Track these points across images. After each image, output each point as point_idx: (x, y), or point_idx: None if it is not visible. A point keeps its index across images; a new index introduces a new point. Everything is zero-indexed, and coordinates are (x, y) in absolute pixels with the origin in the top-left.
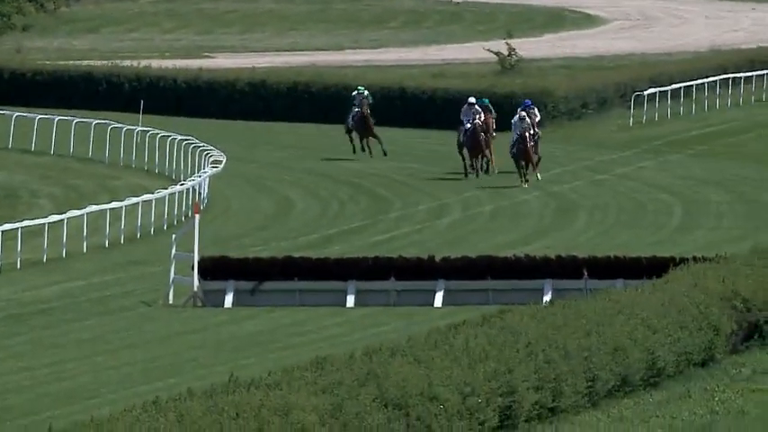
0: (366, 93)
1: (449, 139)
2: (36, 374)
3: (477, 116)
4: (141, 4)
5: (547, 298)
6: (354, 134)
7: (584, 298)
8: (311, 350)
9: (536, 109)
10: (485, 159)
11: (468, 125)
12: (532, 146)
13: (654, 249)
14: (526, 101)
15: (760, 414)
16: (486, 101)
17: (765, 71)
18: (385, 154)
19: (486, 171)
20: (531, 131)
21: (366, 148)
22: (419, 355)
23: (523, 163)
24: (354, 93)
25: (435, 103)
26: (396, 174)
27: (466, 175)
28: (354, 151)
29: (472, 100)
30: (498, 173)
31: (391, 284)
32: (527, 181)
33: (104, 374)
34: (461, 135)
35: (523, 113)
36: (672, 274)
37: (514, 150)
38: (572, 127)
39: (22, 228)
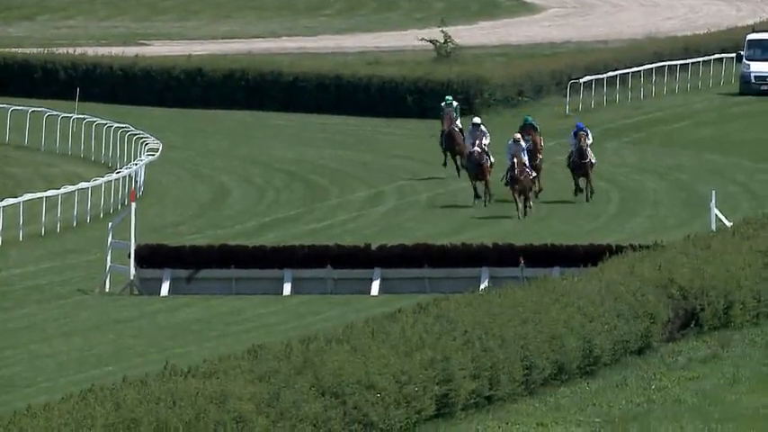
0: (455, 104)
1: (385, 126)
2: None
3: (479, 140)
4: None
5: (483, 286)
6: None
7: (521, 286)
8: (248, 338)
9: (588, 132)
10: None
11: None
12: (528, 174)
13: (590, 237)
14: (579, 123)
15: (696, 402)
16: (530, 118)
17: (701, 59)
18: (459, 174)
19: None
20: (526, 158)
21: (455, 165)
22: (356, 344)
23: (516, 194)
24: (442, 104)
25: (371, 91)
26: (332, 161)
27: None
28: (445, 164)
29: (477, 120)
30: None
31: (328, 272)
32: (525, 214)
33: (40, 362)
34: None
35: (518, 135)
36: (608, 262)
37: (507, 178)
38: (508, 115)
39: None
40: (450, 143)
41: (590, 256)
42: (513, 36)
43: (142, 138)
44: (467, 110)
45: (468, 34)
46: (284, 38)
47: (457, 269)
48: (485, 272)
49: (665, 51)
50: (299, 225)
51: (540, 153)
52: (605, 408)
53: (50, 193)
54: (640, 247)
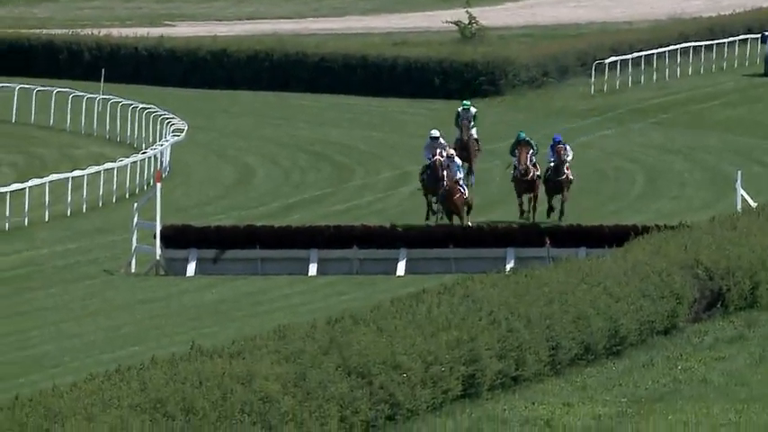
0: (473, 110)
1: (410, 107)
2: None
3: (439, 150)
4: None
5: (509, 266)
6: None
7: (547, 266)
8: (274, 319)
9: (567, 146)
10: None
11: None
12: (462, 193)
13: (616, 218)
14: (556, 136)
15: (722, 383)
16: (523, 134)
17: (726, 39)
18: (471, 185)
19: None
20: (460, 175)
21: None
22: (382, 324)
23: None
24: (459, 109)
25: (396, 72)
26: (358, 142)
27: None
28: None
29: (435, 133)
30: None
31: (353, 253)
32: (467, 226)
33: (68, 342)
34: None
35: (451, 151)
36: (634, 243)
37: (439, 195)
38: (533, 96)
39: None
40: (463, 152)
41: (616, 236)
42: (538, 17)
43: (167, 118)
44: (493, 91)
45: (494, 15)
46: (310, 18)
47: (482, 249)
48: (510, 252)
49: (690, 32)
50: (325, 206)
51: (525, 169)
52: (631, 388)
53: (76, 173)
54: (666, 227)
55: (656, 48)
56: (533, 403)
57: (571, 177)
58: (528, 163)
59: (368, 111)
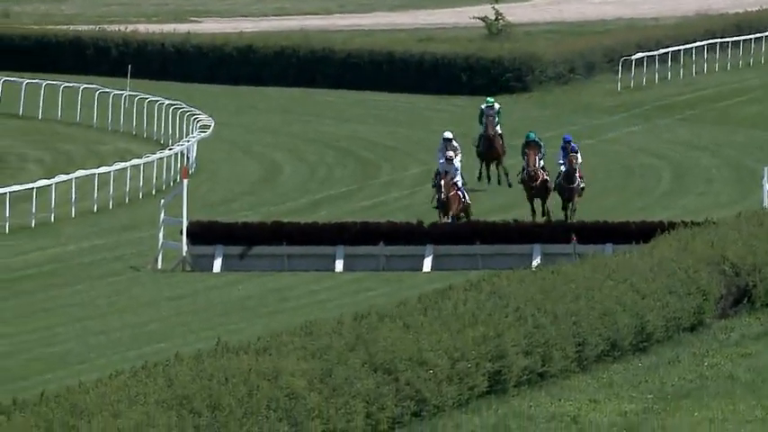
0: (497, 106)
1: (437, 103)
2: (25, 340)
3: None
4: None
5: (535, 263)
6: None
7: (573, 263)
8: (300, 315)
9: (577, 149)
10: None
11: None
12: (460, 197)
13: (642, 214)
14: (566, 136)
15: (749, 379)
16: (533, 134)
17: (752, 36)
18: (510, 185)
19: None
20: (458, 178)
21: (488, 176)
22: (408, 320)
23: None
24: (483, 106)
25: (423, 68)
26: (384, 138)
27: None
28: (479, 178)
29: (448, 135)
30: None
31: (380, 249)
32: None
33: (93, 339)
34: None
35: (450, 153)
36: (660, 239)
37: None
38: (560, 92)
39: (10, 193)
40: (488, 150)
41: (642, 232)
42: (564, 13)
43: (194, 114)
44: (520, 87)
45: (521, 11)
46: (336, 15)
47: (509, 246)
48: (537, 248)
49: (716, 28)
50: (351, 202)
51: (534, 171)
52: (658, 384)
53: (102, 169)
54: (692, 223)
55: (683, 44)
56: (559, 400)
57: (582, 185)
58: (536, 165)
59: (394, 107)
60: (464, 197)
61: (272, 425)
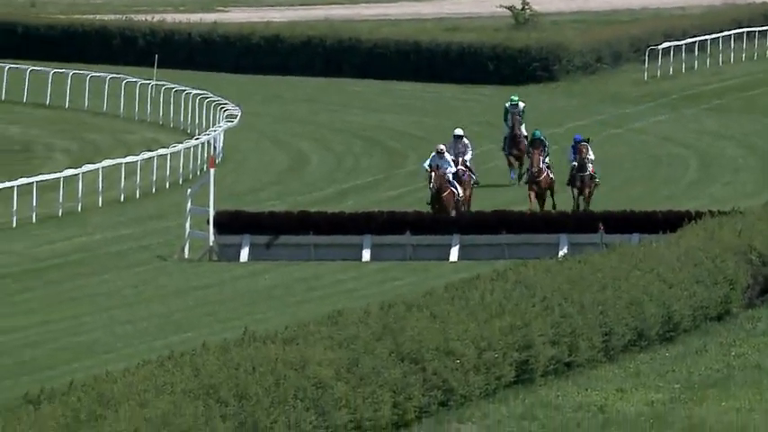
0: (521, 105)
1: (463, 93)
2: (52, 329)
3: (461, 156)
4: None
5: (562, 252)
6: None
7: (600, 252)
8: (327, 304)
9: (589, 146)
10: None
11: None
12: (453, 191)
13: (669, 203)
14: (577, 136)
15: None
16: (539, 133)
17: None
18: (520, 178)
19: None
20: (450, 171)
21: (518, 172)
22: (435, 310)
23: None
24: (507, 104)
25: (449, 57)
26: (410, 128)
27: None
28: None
29: (459, 132)
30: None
31: (407, 239)
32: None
33: (120, 329)
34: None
35: (441, 147)
36: (687, 229)
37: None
38: (586, 81)
39: (37, 182)
40: (512, 148)
41: (669, 222)
42: (591, 2)
43: (221, 104)
44: (546, 77)
45: (547, 1)
46: (362, 4)
47: (535, 235)
48: (563, 238)
49: (743, 17)
50: (378, 191)
51: (537, 171)
52: (685, 374)
53: (129, 159)
54: (719, 213)
55: (710, 33)
56: (586, 389)
57: (597, 180)
58: (541, 164)
59: (421, 96)
60: (457, 192)
61: (299, 414)
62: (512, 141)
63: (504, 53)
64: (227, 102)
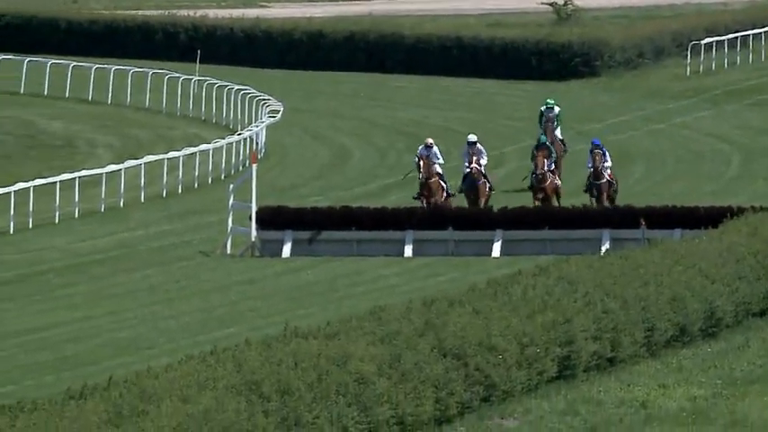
0: (557, 109)
1: (506, 88)
2: (94, 324)
3: (475, 160)
4: None
5: (604, 248)
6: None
7: (642, 248)
8: (369, 300)
9: (606, 151)
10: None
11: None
12: (442, 187)
13: (711, 199)
14: (594, 140)
15: None
16: (544, 138)
17: None
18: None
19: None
20: (437, 166)
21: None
22: (477, 305)
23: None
24: (543, 108)
25: (492, 53)
26: (453, 123)
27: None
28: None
29: (473, 138)
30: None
31: (449, 234)
32: None
33: (162, 324)
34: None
35: (429, 140)
36: (729, 224)
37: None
38: (628, 76)
39: (79, 178)
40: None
41: (711, 217)
42: None
43: (263, 99)
44: (588, 72)
45: None
46: (405, 0)
47: (578, 231)
48: (606, 234)
49: None
50: None
51: (542, 176)
52: (727, 370)
53: (172, 154)
54: (762, 208)
55: (752, 29)
56: (628, 385)
57: (613, 182)
58: (545, 168)
59: (463, 92)
60: (447, 188)
61: (341, 410)
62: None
63: (546, 49)
64: (269, 97)
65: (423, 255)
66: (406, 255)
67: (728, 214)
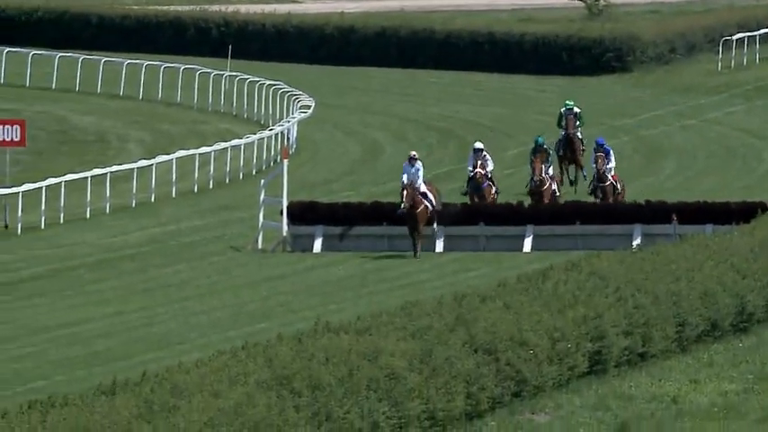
0: (576, 110)
1: (537, 83)
2: (126, 319)
3: (481, 166)
4: None
5: (636, 243)
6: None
7: (673, 243)
8: (400, 295)
9: (610, 150)
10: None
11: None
12: (423, 207)
13: (743, 194)
14: (599, 139)
15: None
16: (542, 139)
17: None
18: (572, 184)
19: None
20: (420, 183)
21: (568, 176)
22: (508, 301)
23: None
24: (562, 110)
25: (524, 48)
26: (485, 119)
27: None
28: (571, 183)
29: (479, 145)
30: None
31: (480, 230)
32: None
33: (193, 319)
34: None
35: (414, 153)
36: (761, 219)
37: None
38: (660, 72)
39: (111, 173)
40: (567, 150)
41: (743, 213)
42: None
43: (294, 95)
44: (620, 67)
45: None
46: None
47: (609, 226)
48: (637, 229)
49: None
50: (452, 182)
51: (540, 181)
52: (758, 365)
53: (203, 150)
54: None
55: None
56: (660, 380)
57: (617, 185)
58: (543, 174)
59: (495, 87)
60: (431, 205)
61: (372, 405)
62: (566, 141)
63: (578, 44)
64: (300, 93)
65: (454, 250)
66: (437, 250)
67: (760, 209)
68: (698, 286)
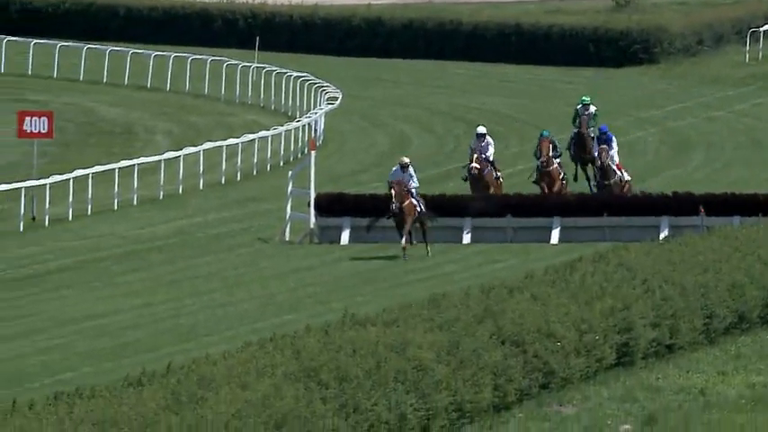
0: (592, 109)
1: (564, 75)
2: (153, 311)
3: (483, 152)
4: None
5: (663, 235)
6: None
7: (701, 235)
8: (427, 287)
9: (613, 139)
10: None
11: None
12: (412, 206)
13: None
14: (602, 126)
15: None
16: (547, 132)
17: None
18: (588, 181)
19: None
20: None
21: (585, 175)
22: (536, 292)
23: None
24: (578, 106)
25: (551, 40)
26: (512, 110)
27: None
28: (576, 178)
29: (482, 130)
30: None
31: (507, 221)
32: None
33: (221, 311)
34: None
35: (406, 160)
36: None
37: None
38: (687, 63)
39: (138, 164)
40: (578, 149)
41: None
42: None
43: (322, 86)
44: (647, 59)
45: None
46: None
47: (637, 218)
48: (664, 221)
49: None
50: None
51: (546, 161)
52: None
53: (230, 141)
54: None
55: None
56: (687, 372)
57: (624, 179)
58: (549, 154)
59: (522, 79)
60: (420, 206)
61: (399, 397)
62: (578, 140)
63: (605, 35)
64: (328, 84)
65: (481, 242)
66: (464, 242)
67: None
68: (725, 278)
